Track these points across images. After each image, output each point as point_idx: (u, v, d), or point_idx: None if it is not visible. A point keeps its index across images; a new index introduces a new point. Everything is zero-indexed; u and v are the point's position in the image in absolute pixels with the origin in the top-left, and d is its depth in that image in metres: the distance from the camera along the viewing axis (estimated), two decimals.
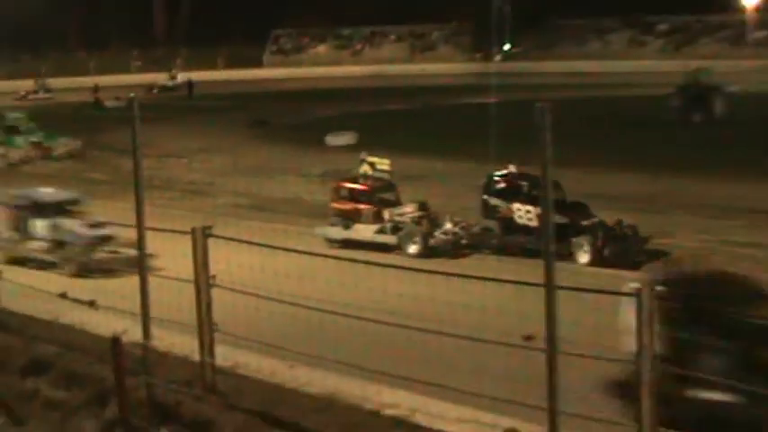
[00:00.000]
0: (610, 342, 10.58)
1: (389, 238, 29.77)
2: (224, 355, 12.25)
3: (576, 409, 9.45)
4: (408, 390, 11.40)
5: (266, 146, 55.08)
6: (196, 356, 12.12)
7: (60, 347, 13.81)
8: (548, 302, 9.13)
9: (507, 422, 9.85)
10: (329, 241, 30.73)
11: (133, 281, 12.32)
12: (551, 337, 9.12)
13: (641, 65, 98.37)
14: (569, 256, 26.86)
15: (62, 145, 54.11)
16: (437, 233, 29.43)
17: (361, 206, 30.92)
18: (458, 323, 11.37)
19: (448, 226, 29.72)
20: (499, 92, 62.31)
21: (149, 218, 12.93)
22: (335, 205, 31.77)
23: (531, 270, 9.86)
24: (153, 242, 13.32)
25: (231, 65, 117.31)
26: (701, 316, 10.84)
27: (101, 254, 27.30)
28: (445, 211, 30.92)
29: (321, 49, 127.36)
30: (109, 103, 76.43)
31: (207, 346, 11.97)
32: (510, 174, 30.19)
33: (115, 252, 26.73)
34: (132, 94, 13.90)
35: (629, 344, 9.17)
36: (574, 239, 27.53)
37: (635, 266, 25.80)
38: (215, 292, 11.86)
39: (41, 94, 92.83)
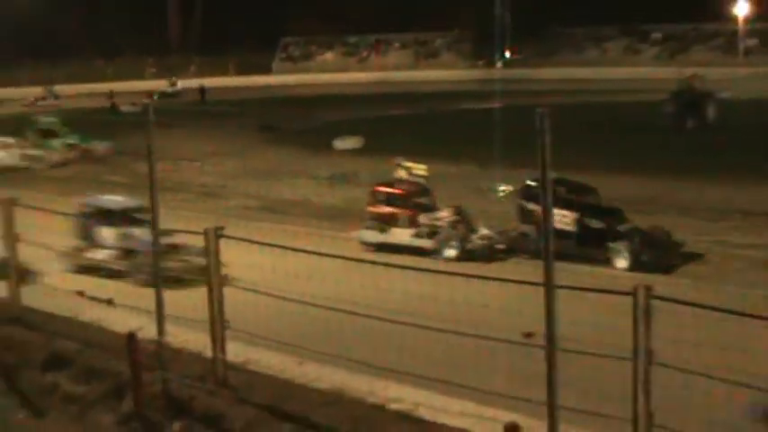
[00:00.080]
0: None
1: (426, 242, 29.14)
2: (235, 352, 12.28)
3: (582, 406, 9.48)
4: (413, 385, 11.42)
5: (275, 149, 55.05)
6: (209, 353, 12.15)
7: (79, 344, 13.85)
8: (547, 301, 9.15)
9: (509, 417, 9.84)
10: (365, 245, 30.11)
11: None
12: (551, 335, 9.14)
13: (637, 71, 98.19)
14: (606, 262, 26.68)
15: (99, 147, 54.01)
16: (473, 237, 28.90)
17: (398, 210, 30.31)
18: (475, 323, 11.33)
19: (484, 231, 29.24)
20: (500, 97, 62.39)
21: (163, 219, 12.96)
22: (371, 209, 31.08)
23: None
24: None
25: (242, 71, 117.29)
26: None
27: (171, 263, 25.15)
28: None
29: (328, 56, 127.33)
30: (124, 109, 76.51)
31: (219, 343, 12.01)
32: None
33: (184, 261, 24.56)
34: (145, 101, 13.97)
35: None
36: (611, 245, 27.18)
37: (670, 271, 25.81)
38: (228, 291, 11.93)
39: (50, 101, 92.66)
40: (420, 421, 10.69)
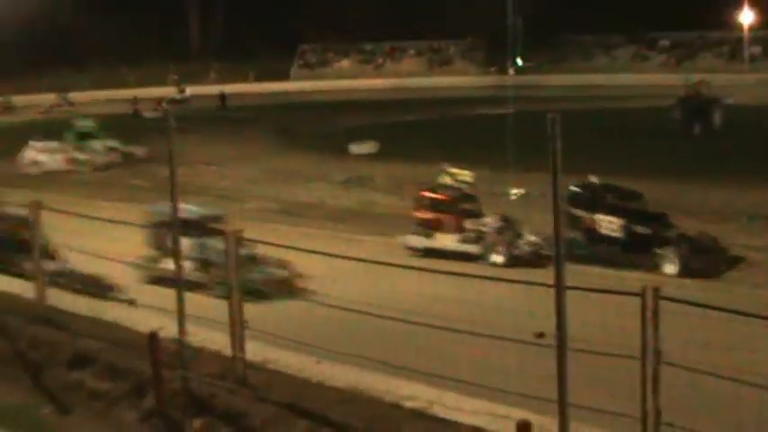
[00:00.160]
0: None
1: (473, 248, 28.83)
2: (254, 351, 12.29)
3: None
4: (426, 383, 11.41)
5: (293, 154, 55.13)
6: (228, 352, 12.16)
7: (103, 342, 13.87)
8: (557, 301, 9.12)
9: (520, 414, 9.81)
10: (410, 250, 29.81)
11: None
12: (561, 335, 9.11)
13: (645, 78, 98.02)
14: (653, 268, 26.40)
15: (138, 151, 53.74)
16: (520, 243, 28.51)
17: (443, 216, 29.97)
18: (492, 325, 11.31)
19: (531, 237, 28.77)
20: (512, 103, 62.33)
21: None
22: (417, 214, 30.71)
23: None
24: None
25: (261, 78, 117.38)
26: None
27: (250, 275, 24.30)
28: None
29: (345, 63, 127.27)
30: (147, 114, 76.54)
31: (238, 343, 12.02)
32: (592, 185, 29.30)
33: (265, 273, 23.62)
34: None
35: None
36: (658, 251, 26.93)
37: (717, 276, 25.75)
38: None
39: (65, 107, 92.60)
40: (434, 419, 10.68)
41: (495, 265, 27.99)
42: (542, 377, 9.59)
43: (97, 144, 53.85)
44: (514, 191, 36.40)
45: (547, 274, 8.91)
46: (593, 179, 29.47)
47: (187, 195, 12.94)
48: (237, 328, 12.05)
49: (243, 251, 23.87)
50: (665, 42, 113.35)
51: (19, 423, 12.47)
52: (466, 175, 31.59)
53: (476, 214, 30.13)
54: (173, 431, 11.72)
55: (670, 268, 26.58)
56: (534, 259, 27.77)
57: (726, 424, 10.85)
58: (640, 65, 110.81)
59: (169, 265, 24.75)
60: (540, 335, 10.55)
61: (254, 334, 12.15)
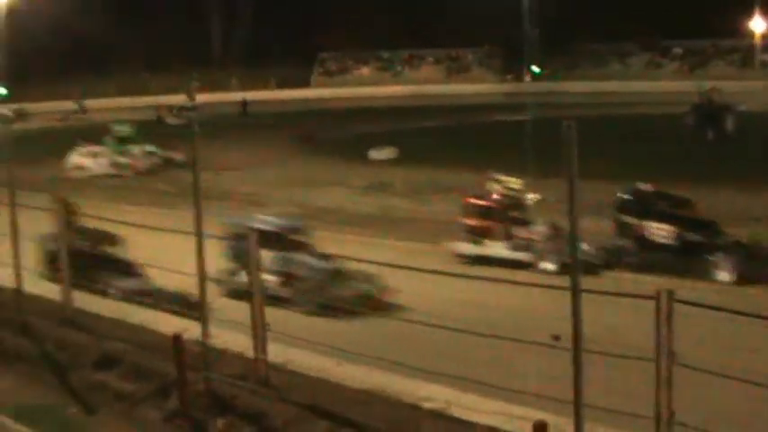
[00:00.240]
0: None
1: (524, 256, 28.10)
2: (275, 353, 12.30)
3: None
4: (444, 384, 11.40)
5: (313, 159, 55.11)
6: (250, 353, 12.16)
7: (128, 344, 13.89)
8: (573, 304, 9.12)
9: (537, 415, 9.80)
10: (460, 257, 28.98)
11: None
12: (577, 337, 9.10)
13: (658, 85, 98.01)
14: (705, 275, 25.72)
15: (176, 155, 53.37)
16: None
17: (492, 223, 29.25)
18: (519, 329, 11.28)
19: (582, 245, 28.01)
20: (529, 110, 62.24)
21: (208, 226, 12.95)
22: (466, 222, 29.87)
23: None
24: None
25: (281, 85, 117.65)
26: None
27: (336, 290, 22.64)
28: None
29: (364, 70, 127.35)
30: (170, 121, 76.58)
31: (261, 344, 12.03)
32: (642, 191, 28.68)
33: (350, 287, 22.64)
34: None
35: None
36: (710, 257, 26.32)
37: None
38: None
39: (79, 114, 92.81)
40: (453, 420, 10.67)
41: (546, 272, 27.17)
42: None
43: (136, 149, 53.65)
44: (530, 196, 36.27)
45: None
46: (643, 186, 28.84)
47: (210, 200, 12.89)
48: (259, 330, 12.06)
49: (327, 264, 23.44)
50: (677, 50, 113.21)
51: (46, 422, 12.50)
52: (514, 182, 30.68)
53: (524, 221, 29.41)
54: (196, 431, 11.73)
55: (724, 275, 25.92)
56: (586, 267, 26.84)
57: None
58: (654, 72, 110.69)
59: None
60: (557, 337, 10.51)
61: (276, 336, 12.16)
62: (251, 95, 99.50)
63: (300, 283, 23.49)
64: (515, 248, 28.60)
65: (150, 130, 63.30)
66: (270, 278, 22.62)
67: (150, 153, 53.20)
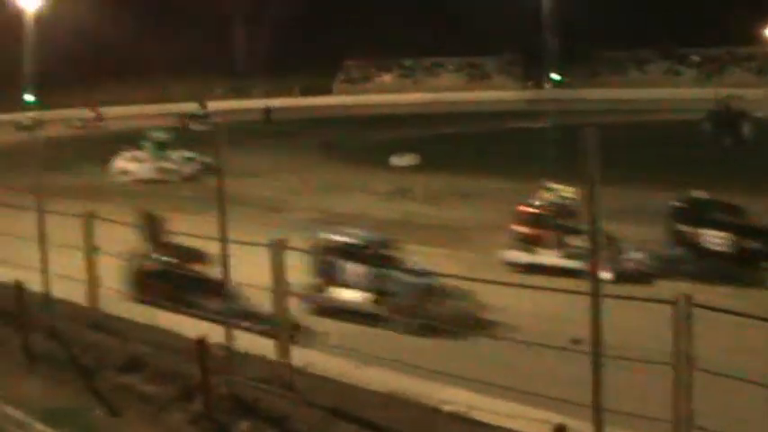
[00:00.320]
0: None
1: (576, 264, 26.71)
2: (298, 356, 12.28)
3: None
4: (464, 388, 11.36)
5: (335, 166, 55.17)
6: (273, 357, 12.15)
7: (153, 347, 13.89)
8: (593, 309, 9.08)
9: (557, 419, 9.74)
10: (511, 265, 28.41)
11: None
12: (596, 341, 9.06)
13: (676, 92, 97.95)
14: (763, 283, 25.26)
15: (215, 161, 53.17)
16: (623, 259, 26.93)
17: (543, 231, 28.72)
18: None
19: (636, 254, 27.45)
20: (549, 117, 62.19)
21: (232, 230, 12.94)
22: (517, 229, 29.25)
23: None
24: None
25: (305, 93, 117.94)
26: None
27: (435, 308, 21.65)
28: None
29: (386, 78, 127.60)
30: (194, 127, 76.66)
31: (284, 347, 12.01)
32: (696, 199, 28.26)
33: (448, 306, 21.76)
34: (216, 120, 13.87)
35: None
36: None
37: None
38: None
39: (97, 122, 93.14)
40: (474, 422, 10.63)
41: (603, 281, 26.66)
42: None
43: (175, 154, 53.76)
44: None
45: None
46: (698, 194, 28.45)
47: (233, 206, 12.86)
48: (284, 334, 12.05)
49: (423, 280, 22.53)
50: (695, 58, 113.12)
51: (72, 424, 12.51)
52: (567, 190, 29.86)
53: (576, 230, 28.41)
54: None
55: None
56: (640, 275, 26.47)
57: None
58: (672, 79, 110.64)
59: (336, 293, 23.38)
60: (577, 341, 10.45)
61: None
62: (275, 103, 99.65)
63: (395, 300, 22.50)
64: (568, 257, 27.78)
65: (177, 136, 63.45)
66: (361, 295, 23.03)
67: (189, 159, 53.10)
